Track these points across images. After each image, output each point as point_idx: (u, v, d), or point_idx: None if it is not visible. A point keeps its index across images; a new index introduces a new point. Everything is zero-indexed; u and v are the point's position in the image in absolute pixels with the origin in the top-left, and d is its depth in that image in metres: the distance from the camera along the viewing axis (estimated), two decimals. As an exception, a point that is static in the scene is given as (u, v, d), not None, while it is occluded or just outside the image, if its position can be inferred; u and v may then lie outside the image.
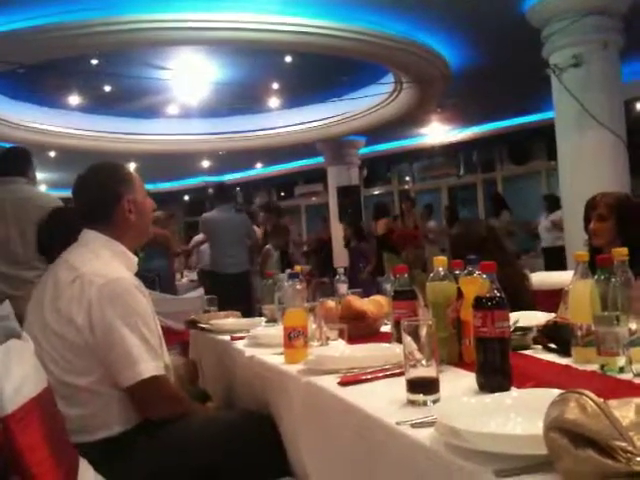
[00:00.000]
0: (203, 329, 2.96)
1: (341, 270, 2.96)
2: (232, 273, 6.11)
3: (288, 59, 7.82)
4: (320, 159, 12.76)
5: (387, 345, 1.90)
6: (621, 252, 1.50)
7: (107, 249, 2.01)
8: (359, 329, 2.23)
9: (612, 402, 0.89)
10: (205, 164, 13.91)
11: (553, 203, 8.75)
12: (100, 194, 2.08)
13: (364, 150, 12.53)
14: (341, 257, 11.21)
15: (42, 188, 13.36)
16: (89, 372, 1.84)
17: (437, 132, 11.85)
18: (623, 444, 0.79)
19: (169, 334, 3.49)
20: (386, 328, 2.33)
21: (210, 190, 12.07)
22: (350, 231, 9.46)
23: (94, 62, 7.36)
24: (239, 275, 6.17)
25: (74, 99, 9.01)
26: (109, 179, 2.10)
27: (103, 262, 1.95)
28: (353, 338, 2.09)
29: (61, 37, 6.02)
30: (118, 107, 9.62)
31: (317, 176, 13.86)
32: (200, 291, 4.24)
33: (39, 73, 7.25)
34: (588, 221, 2.86)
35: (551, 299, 2.19)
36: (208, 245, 6.68)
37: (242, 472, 1.87)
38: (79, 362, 1.84)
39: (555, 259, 6.58)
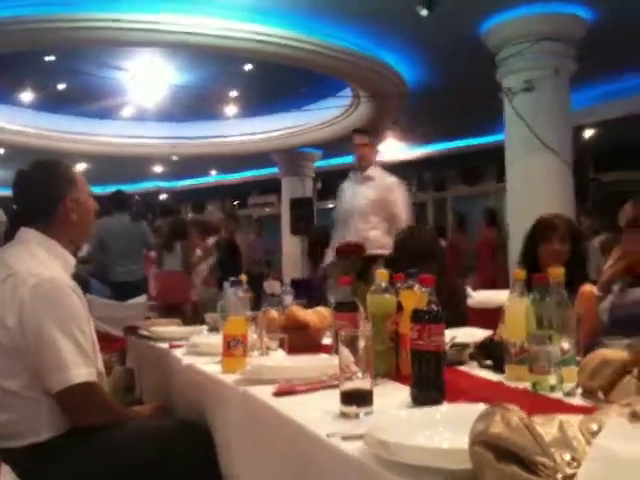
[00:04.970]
0: (142, 336, 2.90)
1: (287, 281, 2.95)
2: (122, 282, 6.01)
3: (247, 67, 7.82)
4: (275, 169, 12.74)
5: (326, 356, 1.89)
6: (557, 272, 1.52)
7: (44, 248, 1.94)
8: (301, 340, 2.20)
9: (537, 418, 0.90)
10: (158, 169, 13.75)
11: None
12: (42, 192, 2.01)
13: (320, 163, 12.56)
14: (291, 269, 11.19)
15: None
16: (18, 375, 1.78)
17: (391, 149, 11.97)
18: (545, 459, 0.80)
19: (109, 341, 3.40)
20: (329, 340, 2.32)
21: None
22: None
23: (49, 59, 7.21)
24: (131, 284, 6.03)
25: (26, 96, 8.82)
26: (52, 177, 2.04)
27: (38, 261, 1.88)
28: (295, 349, 2.07)
29: (16, 31, 5.90)
30: (72, 106, 9.46)
31: (271, 187, 13.81)
32: (142, 297, 4.17)
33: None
34: (536, 240, 2.74)
35: (490, 317, 2.22)
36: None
37: (173, 482, 1.83)
38: (8, 364, 1.77)
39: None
